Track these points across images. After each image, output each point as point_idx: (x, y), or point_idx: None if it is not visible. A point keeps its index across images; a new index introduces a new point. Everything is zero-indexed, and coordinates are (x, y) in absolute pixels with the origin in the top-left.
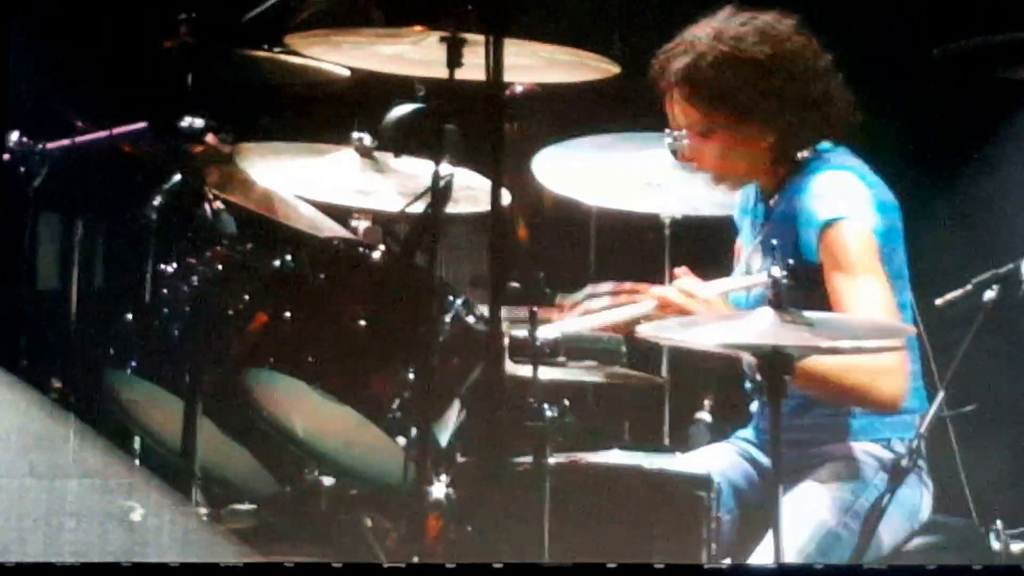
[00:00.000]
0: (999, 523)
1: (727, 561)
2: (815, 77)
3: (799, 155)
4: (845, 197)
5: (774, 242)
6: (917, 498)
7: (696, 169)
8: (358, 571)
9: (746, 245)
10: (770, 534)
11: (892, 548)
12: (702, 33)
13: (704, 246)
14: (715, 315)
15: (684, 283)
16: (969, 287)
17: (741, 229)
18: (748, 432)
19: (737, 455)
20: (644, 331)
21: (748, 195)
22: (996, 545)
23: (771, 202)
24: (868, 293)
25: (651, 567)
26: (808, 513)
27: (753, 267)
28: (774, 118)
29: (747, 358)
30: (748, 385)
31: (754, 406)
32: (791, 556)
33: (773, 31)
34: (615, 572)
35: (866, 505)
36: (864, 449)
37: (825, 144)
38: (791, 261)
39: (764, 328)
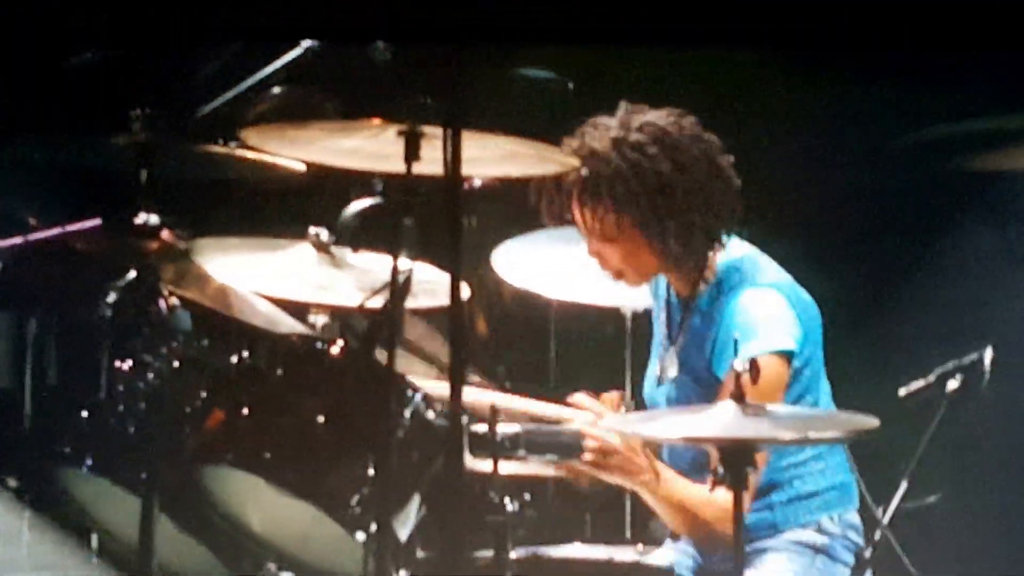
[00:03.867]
0: None
1: None
2: (714, 186)
3: (712, 256)
4: (764, 323)
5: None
6: None
7: (601, 270)
8: None
9: (657, 335)
10: None
11: None
12: (598, 143)
13: None
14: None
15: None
16: (932, 377)
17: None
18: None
19: (684, 554)
20: (606, 424)
21: (658, 283)
22: None
23: (686, 307)
24: None
25: None
26: None
27: (669, 371)
28: (674, 223)
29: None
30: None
31: None
32: None
33: (672, 139)
34: None
35: None
36: (794, 538)
37: (738, 249)
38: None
39: (726, 421)
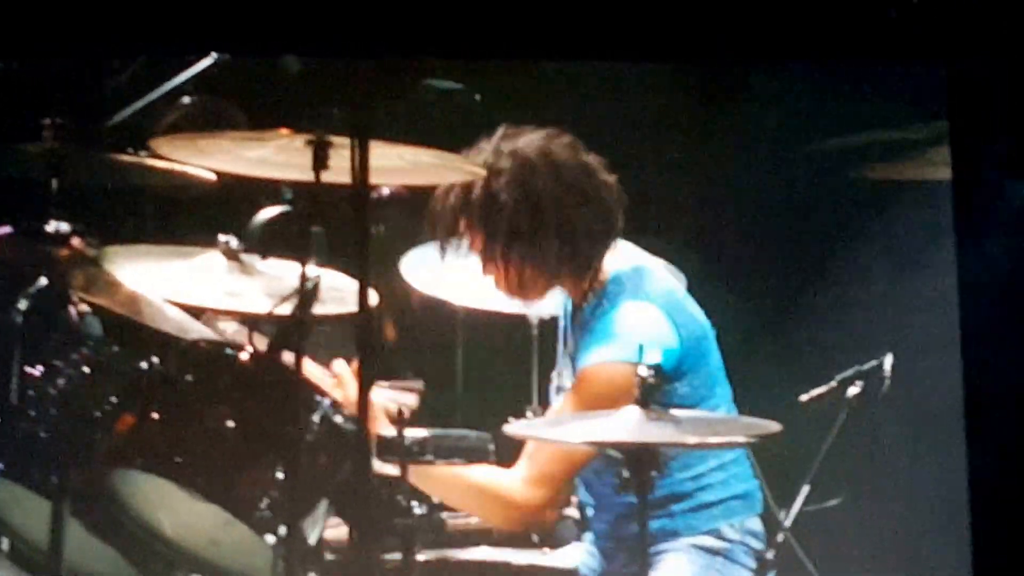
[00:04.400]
0: None
1: None
2: (591, 204)
3: (597, 269)
4: (629, 336)
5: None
6: None
7: (495, 288)
8: None
9: (559, 348)
10: None
11: None
12: (482, 167)
13: None
14: None
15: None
16: (833, 383)
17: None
18: (588, 539)
19: (588, 555)
20: (512, 430)
21: (561, 300)
22: None
23: (575, 315)
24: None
25: None
26: None
27: (564, 380)
28: (557, 242)
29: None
30: (582, 495)
31: (589, 512)
32: None
33: (540, 163)
34: None
35: None
36: (694, 543)
37: (626, 260)
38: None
39: (631, 425)
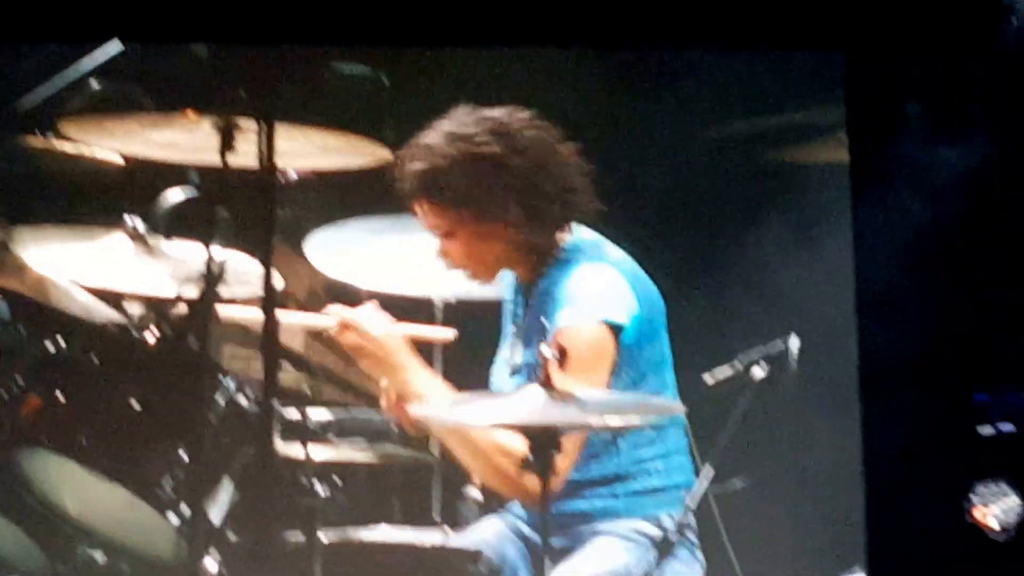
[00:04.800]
0: None
1: None
2: (553, 168)
3: (556, 241)
4: (593, 295)
5: (528, 336)
6: (688, 574)
7: (449, 268)
8: None
9: (505, 330)
10: None
11: None
12: (435, 136)
13: (476, 329)
14: (383, 356)
15: (365, 315)
16: (739, 365)
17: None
18: (518, 507)
19: (507, 529)
20: (416, 411)
21: (508, 280)
22: None
23: (530, 292)
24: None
25: None
26: None
27: (515, 358)
28: (514, 214)
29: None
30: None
31: None
32: None
33: (505, 127)
34: None
35: None
36: (633, 527)
37: (584, 234)
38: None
39: (534, 407)
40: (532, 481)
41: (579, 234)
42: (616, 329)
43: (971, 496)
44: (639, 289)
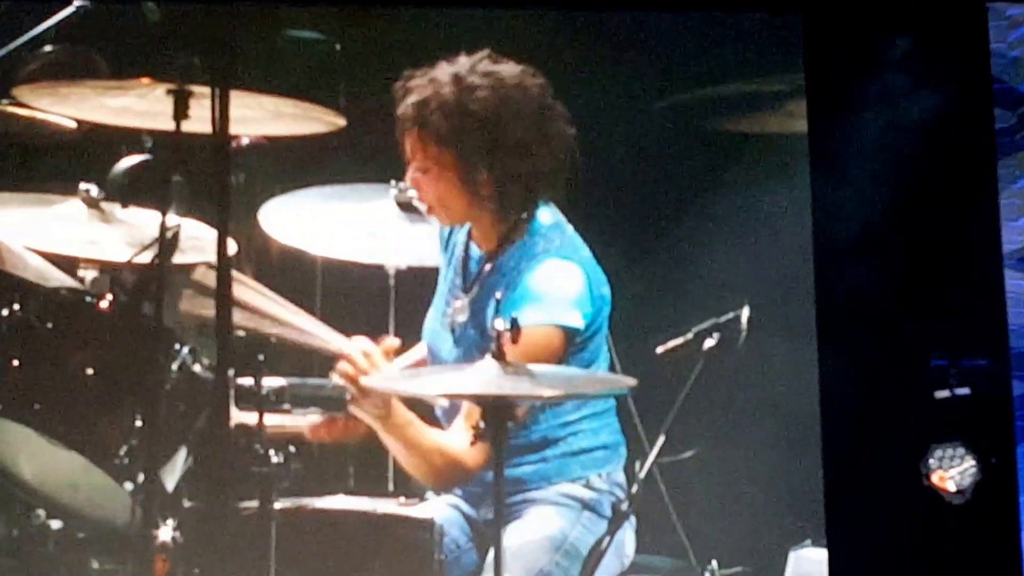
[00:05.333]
0: (714, 563)
1: None
2: (543, 140)
3: (520, 216)
4: (557, 298)
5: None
6: (622, 536)
7: (417, 199)
8: None
9: (447, 281)
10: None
11: None
12: (440, 74)
13: (428, 296)
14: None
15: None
16: (690, 335)
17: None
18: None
19: (447, 506)
20: (371, 381)
21: (455, 233)
22: None
23: (487, 262)
24: None
25: None
26: (519, 556)
27: (458, 317)
28: (492, 167)
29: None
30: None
31: None
32: None
33: (511, 89)
34: None
35: (575, 543)
36: (563, 491)
37: (546, 214)
38: (514, 316)
39: (487, 378)
40: (459, 476)
41: (543, 216)
42: (571, 333)
43: (928, 459)
44: (595, 287)
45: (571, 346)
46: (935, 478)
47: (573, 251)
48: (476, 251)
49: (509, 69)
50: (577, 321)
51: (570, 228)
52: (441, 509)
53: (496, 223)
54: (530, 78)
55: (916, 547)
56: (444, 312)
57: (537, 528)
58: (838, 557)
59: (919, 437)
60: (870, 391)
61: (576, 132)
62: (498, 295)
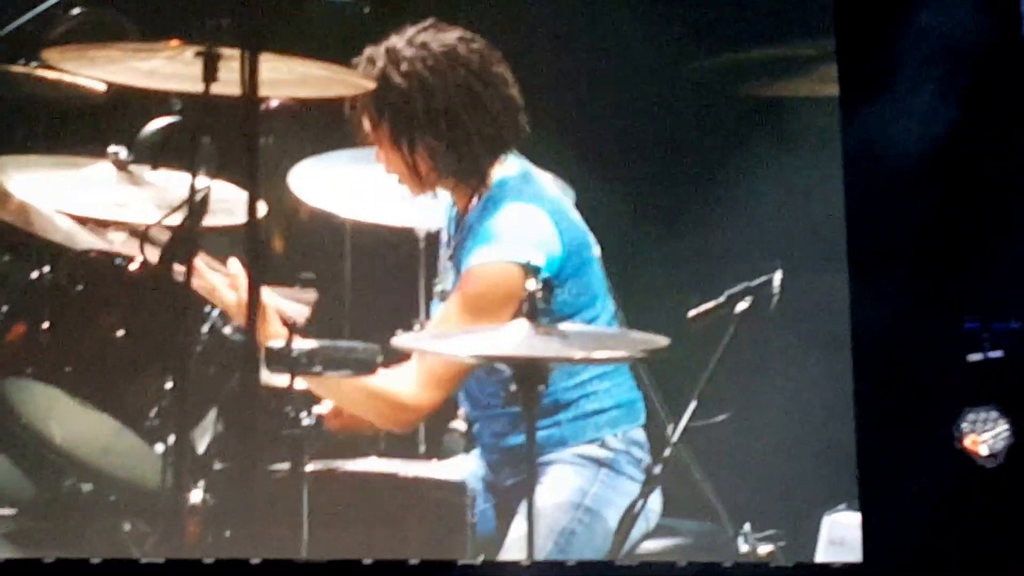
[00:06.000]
0: (747, 526)
1: (480, 558)
2: (492, 98)
3: (484, 173)
4: (512, 235)
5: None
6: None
7: (387, 173)
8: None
9: (441, 255)
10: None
11: (630, 548)
12: (375, 49)
13: None
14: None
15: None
16: (722, 299)
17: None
18: (475, 452)
19: (468, 471)
20: (399, 342)
21: (447, 206)
22: (744, 547)
23: (460, 220)
24: (449, 320)
25: (405, 563)
26: (541, 516)
27: (446, 282)
28: (428, 135)
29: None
30: (468, 408)
31: (475, 426)
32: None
33: (447, 56)
34: (370, 569)
35: (595, 500)
36: (577, 452)
37: (513, 166)
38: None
39: (518, 339)
40: (406, 420)
41: (509, 168)
42: (530, 270)
43: (961, 423)
44: (563, 228)
45: (542, 289)
46: (968, 442)
47: (537, 197)
48: (455, 213)
49: (443, 37)
50: (538, 259)
51: (542, 177)
52: (470, 470)
53: (459, 185)
54: (464, 44)
55: (949, 511)
56: (435, 284)
57: (556, 489)
58: (871, 521)
59: (952, 401)
60: (903, 355)
61: (518, 92)
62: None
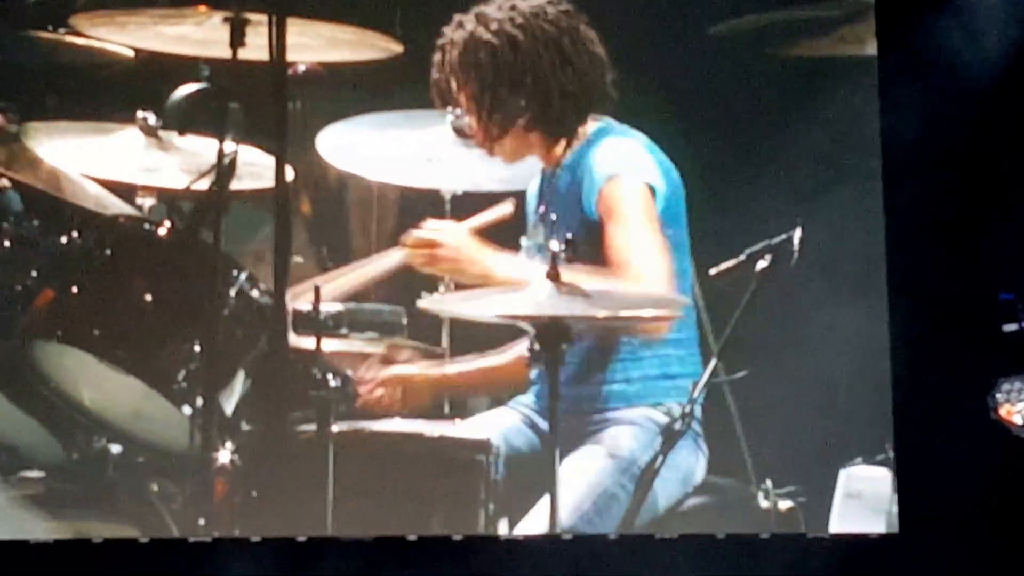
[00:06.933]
0: (768, 482)
1: (503, 522)
2: (578, 59)
3: (579, 129)
4: (626, 158)
5: (554, 216)
6: (692, 462)
7: (474, 143)
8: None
9: (530, 216)
10: (546, 496)
11: (666, 509)
12: (471, 14)
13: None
14: (467, 256)
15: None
16: (743, 257)
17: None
18: (529, 398)
19: (518, 420)
20: (424, 304)
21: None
22: (764, 504)
23: (552, 176)
24: (642, 242)
25: (449, 539)
26: (586, 475)
27: (536, 239)
28: (538, 97)
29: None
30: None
31: (533, 373)
32: (568, 514)
33: (522, 13)
34: (414, 544)
35: (643, 468)
36: (642, 414)
37: (605, 120)
38: (569, 235)
39: (542, 299)
40: None
41: (591, 125)
42: (654, 191)
43: (995, 393)
44: (661, 163)
45: (661, 214)
46: (1002, 412)
47: (631, 133)
48: (544, 175)
49: (530, 3)
50: (655, 180)
51: (622, 126)
52: (509, 418)
53: (545, 145)
54: (551, 6)
55: (983, 481)
56: (526, 245)
57: (609, 449)
58: (906, 489)
59: (986, 371)
60: (938, 324)
61: (604, 52)
62: (554, 217)
